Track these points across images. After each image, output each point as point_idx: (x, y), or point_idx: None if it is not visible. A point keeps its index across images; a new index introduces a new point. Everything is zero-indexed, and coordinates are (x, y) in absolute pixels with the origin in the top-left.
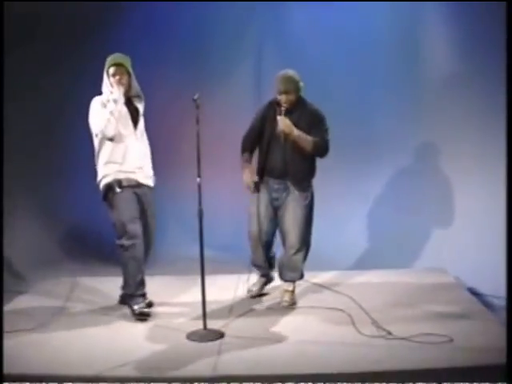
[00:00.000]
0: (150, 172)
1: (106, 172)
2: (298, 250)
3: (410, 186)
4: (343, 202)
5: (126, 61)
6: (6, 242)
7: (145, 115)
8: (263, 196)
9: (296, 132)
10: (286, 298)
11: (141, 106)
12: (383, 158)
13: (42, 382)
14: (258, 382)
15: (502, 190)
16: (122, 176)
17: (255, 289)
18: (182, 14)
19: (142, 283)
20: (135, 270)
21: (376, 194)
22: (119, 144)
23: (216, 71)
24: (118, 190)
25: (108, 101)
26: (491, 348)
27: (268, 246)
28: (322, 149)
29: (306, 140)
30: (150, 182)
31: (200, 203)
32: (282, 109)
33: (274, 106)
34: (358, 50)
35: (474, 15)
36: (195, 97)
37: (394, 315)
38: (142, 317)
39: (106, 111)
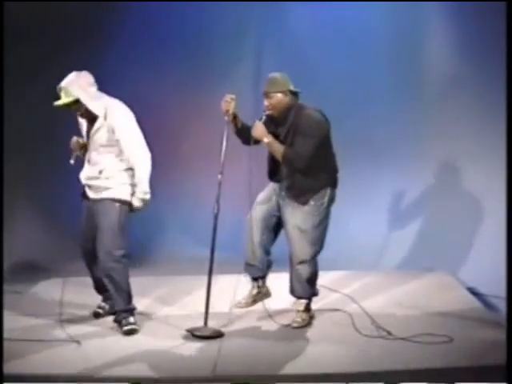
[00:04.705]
0: (103, 184)
1: None
2: (302, 262)
3: (410, 186)
4: (343, 203)
5: (69, 89)
6: (5, 242)
7: (141, 116)
8: (268, 194)
9: (267, 139)
10: (297, 318)
11: (102, 123)
12: (383, 158)
13: (41, 382)
14: (257, 381)
15: (502, 190)
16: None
17: (244, 301)
18: (181, 14)
19: (99, 289)
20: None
21: (376, 194)
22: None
23: (216, 70)
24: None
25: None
26: (491, 348)
27: (264, 247)
28: (293, 162)
29: (276, 150)
30: (101, 194)
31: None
32: (263, 114)
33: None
34: (358, 49)
35: (474, 15)
36: None
37: (394, 315)
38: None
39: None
